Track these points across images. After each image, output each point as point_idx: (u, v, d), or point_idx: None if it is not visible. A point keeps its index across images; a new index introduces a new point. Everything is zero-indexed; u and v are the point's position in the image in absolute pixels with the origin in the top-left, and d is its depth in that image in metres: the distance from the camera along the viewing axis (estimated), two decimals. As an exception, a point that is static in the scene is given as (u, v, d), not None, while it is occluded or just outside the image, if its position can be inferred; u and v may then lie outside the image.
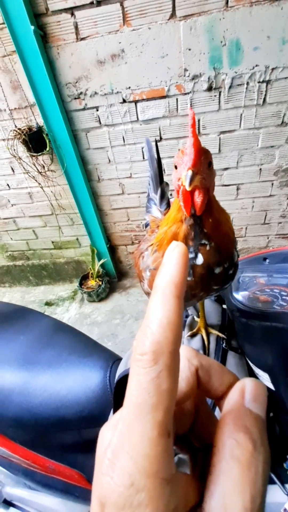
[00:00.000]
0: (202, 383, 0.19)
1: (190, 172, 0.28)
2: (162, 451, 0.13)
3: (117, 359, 0.67)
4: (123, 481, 0.13)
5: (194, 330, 0.51)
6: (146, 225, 0.57)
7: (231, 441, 0.15)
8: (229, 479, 0.14)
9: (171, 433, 0.14)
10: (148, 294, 0.45)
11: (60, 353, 0.68)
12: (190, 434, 0.19)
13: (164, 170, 0.58)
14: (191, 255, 0.34)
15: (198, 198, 0.30)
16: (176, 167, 0.31)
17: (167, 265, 0.17)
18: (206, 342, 0.49)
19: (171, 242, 0.36)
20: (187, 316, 0.56)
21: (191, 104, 1.44)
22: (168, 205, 0.56)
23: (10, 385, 0.61)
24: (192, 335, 0.50)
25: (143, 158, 1.65)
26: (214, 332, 0.51)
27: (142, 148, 1.61)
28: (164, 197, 0.56)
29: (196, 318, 0.54)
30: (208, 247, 0.34)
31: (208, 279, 0.35)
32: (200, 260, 0.34)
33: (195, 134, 0.29)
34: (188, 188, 0.28)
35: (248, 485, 0.14)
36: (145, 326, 0.15)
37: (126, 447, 0.13)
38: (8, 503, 0.78)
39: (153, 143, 0.56)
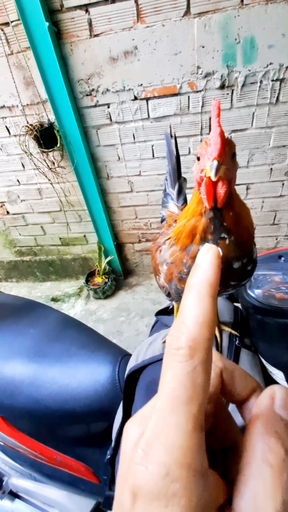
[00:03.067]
0: (226, 386, 0.19)
1: (215, 162, 0.27)
2: (196, 444, 0.13)
3: (125, 355, 0.67)
4: (159, 471, 0.13)
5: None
6: (163, 220, 0.57)
7: (262, 445, 0.15)
8: (261, 482, 0.14)
9: (204, 428, 0.14)
10: (163, 288, 0.44)
11: (69, 347, 0.69)
12: (208, 436, 0.19)
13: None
14: None
15: (221, 189, 0.29)
16: (198, 159, 0.31)
17: (202, 265, 0.17)
18: (219, 339, 0.49)
19: (189, 236, 0.35)
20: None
21: (202, 102, 1.43)
22: (185, 201, 0.56)
23: (20, 377, 0.61)
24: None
25: (153, 156, 1.65)
26: (227, 329, 0.51)
27: (152, 146, 1.60)
28: (181, 192, 0.56)
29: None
30: (227, 241, 0.33)
31: (227, 274, 0.35)
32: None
33: (220, 124, 0.28)
34: (214, 179, 0.27)
35: (280, 490, 0.13)
36: (179, 322, 0.16)
37: (162, 438, 0.13)
38: (13, 495, 0.79)
39: (172, 139, 0.56)
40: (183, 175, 0.60)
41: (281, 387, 0.17)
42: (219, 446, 0.19)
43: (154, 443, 0.14)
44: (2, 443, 0.72)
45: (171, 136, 0.58)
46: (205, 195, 0.30)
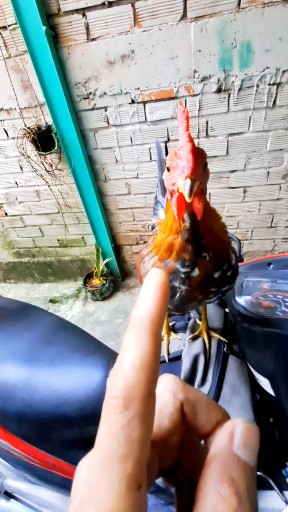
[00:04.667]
0: (187, 420, 0.17)
1: (188, 181, 0.26)
2: (130, 506, 0.12)
3: (118, 358, 0.67)
4: None
5: (196, 333, 0.52)
6: (153, 227, 0.58)
7: (214, 494, 0.13)
8: None
9: (144, 484, 0.13)
10: None
11: (63, 350, 0.69)
12: (176, 468, 0.18)
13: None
14: (187, 269, 0.34)
15: (198, 204, 0.29)
16: (168, 169, 0.30)
17: (144, 296, 0.15)
18: (207, 346, 0.49)
19: (167, 251, 0.36)
20: (189, 319, 0.56)
21: (199, 106, 1.43)
22: None
23: (14, 381, 0.62)
24: (194, 338, 0.51)
25: (150, 158, 1.65)
26: (216, 335, 0.51)
27: (150, 148, 1.61)
28: None
29: (198, 321, 0.54)
30: (207, 258, 0.33)
31: (207, 284, 0.35)
32: (196, 272, 0.34)
33: (191, 137, 0.28)
34: (188, 200, 0.26)
35: None
36: (118, 365, 0.14)
37: (93, 500, 0.12)
38: (9, 495, 0.80)
39: (163, 146, 0.57)
40: None
41: (243, 421, 0.16)
42: (188, 480, 0.17)
43: (85, 505, 0.12)
44: (-4, 446, 0.73)
45: (165, 144, 0.58)
46: (177, 210, 0.30)
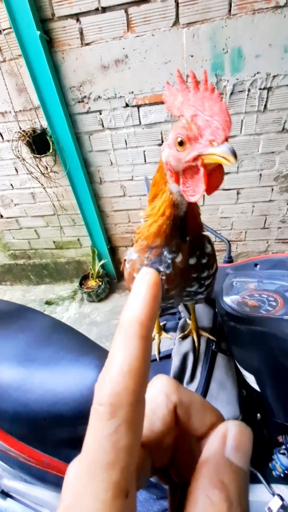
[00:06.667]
0: (181, 422, 0.17)
1: (227, 144, 0.22)
2: None
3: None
4: None
5: (186, 332, 0.53)
6: None
7: (204, 499, 0.13)
8: None
9: (132, 491, 0.13)
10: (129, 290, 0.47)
11: (57, 351, 0.70)
12: (170, 467, 0.18)
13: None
14: (172, 255, 0.35)
15: (220, 174, 0.26)
16: (181, 143, 0.26)
17: (134, 297, 0.14)
18: (196, 344, 0.51)
19: (155, 235, 0.37)
20: (179, 319, 0.58)
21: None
22: None
23: (8, 381, 0.63)
24: (184, 337, 0.53)
25: (145, 161, 1.67)
26: (205, 334, 0.53)
27: (144, 151, 1.63)
28: None
29: (188, 321, 0.56)
30: (188, 243, 0.35)
31: (188, 271, 0.37)
32: (179, 258, 0.35)
33: (219, 95, 0.24)
34: (235, 162, 0.23)
35: None
36: (105, 370, 0.13)
37: (78, 508, 0.12)
38: (5, 494, 0.81)
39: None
40: None
41: (236, 423, 0.15)
42: (181, 480, 0.17)
43: None
44: (-8, 446, 0.74)
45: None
46: (205, 185, 0.26)
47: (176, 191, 0.31)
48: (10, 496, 0.81)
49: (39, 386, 0.63)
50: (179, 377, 0.46)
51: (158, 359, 0.51)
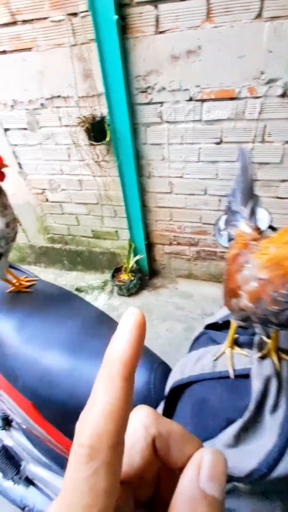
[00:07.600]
0: (160, 455, 0.16)
1: None
2: None
3: (161, 362, 0.65)
4: None
5: (264, 352, 0.47)
6: (230, 239, 0.53)
7: None
8: None
9: None
10: (241, 311, 0.41)
11: (105, 344, 0.67)
12: (153, 500, 0.17)
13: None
14: None
15: None
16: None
17: (118, 336, 0.15)
18: (277, 368, 0.45)
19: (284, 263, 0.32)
20: (253, 334, 0.52)
21: (260, 108, 1.36)
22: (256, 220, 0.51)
23: (58, 368, 0.61)
24: (262, 357, 0.46)
25: (198, 159, 1.60)
26: (286, 358, 0.47)
27: (200, 148, 1.56)
28: (254, 211, 0.51)
29: (265, 339, 0.50)
30: None
31: None
32: None
33: None
34: None
35: None
36: (87, 409, 0.13)
37: None
38: (29, 482, 0.80)
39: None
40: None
41: (210, 450, 0.15)
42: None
43: None
44: (26, 428, 0.73)
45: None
46: None
47: None
48: (33, 484, 0.80)
49: (86, 380, 0.60)
50: (261, 403, 0.40)
51: (232, 376, 0.45)
